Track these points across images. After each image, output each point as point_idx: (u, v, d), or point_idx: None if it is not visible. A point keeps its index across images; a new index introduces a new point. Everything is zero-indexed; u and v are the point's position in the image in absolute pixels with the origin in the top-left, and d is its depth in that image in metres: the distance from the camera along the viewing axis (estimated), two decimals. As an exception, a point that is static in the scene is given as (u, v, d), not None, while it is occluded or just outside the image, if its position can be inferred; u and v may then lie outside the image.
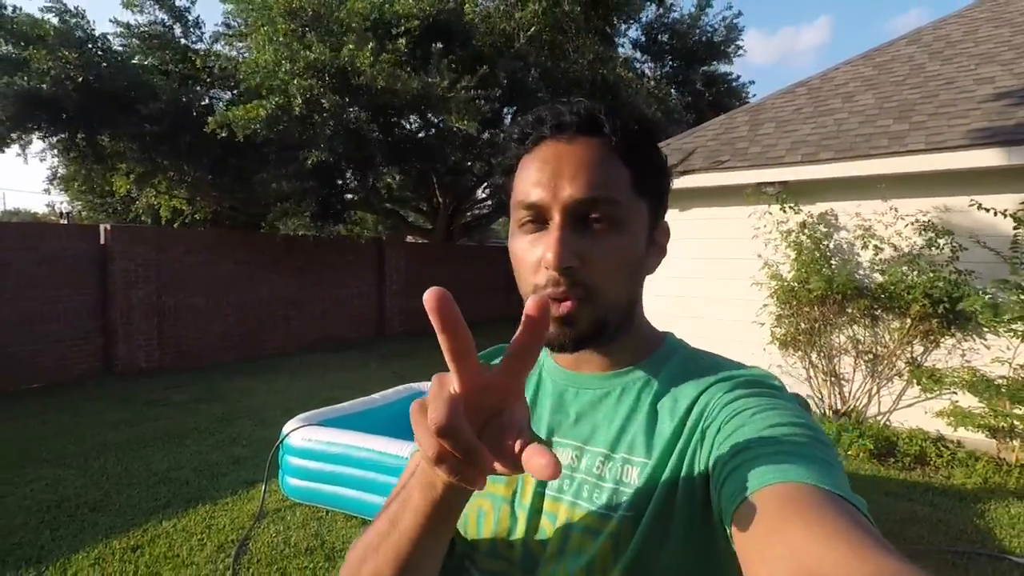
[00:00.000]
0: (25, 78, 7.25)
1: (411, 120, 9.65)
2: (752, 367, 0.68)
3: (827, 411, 5.08)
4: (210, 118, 7.64)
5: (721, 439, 0.56)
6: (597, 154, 0.63)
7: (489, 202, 13.14)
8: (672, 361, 0.70)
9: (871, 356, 4.93)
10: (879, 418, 4.92)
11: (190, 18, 9.66)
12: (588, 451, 0.66)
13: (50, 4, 7.98)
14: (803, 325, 5.07)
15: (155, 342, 7.88)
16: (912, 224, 4.62)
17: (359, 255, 10.75)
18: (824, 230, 5.08)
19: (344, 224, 10.26)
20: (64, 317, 7.13)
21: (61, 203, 15.68)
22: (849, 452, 4.50)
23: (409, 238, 13.89)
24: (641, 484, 0.61)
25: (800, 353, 5.16)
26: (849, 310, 4.93)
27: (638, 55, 13.74)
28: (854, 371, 5.01)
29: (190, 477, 4.14)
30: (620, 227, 0.63)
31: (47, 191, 19.36)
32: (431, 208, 13.39)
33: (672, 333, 0.76)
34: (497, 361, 0.66)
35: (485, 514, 0.69)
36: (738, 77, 15.66)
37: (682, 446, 0.61)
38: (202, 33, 9.84)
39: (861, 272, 4.95)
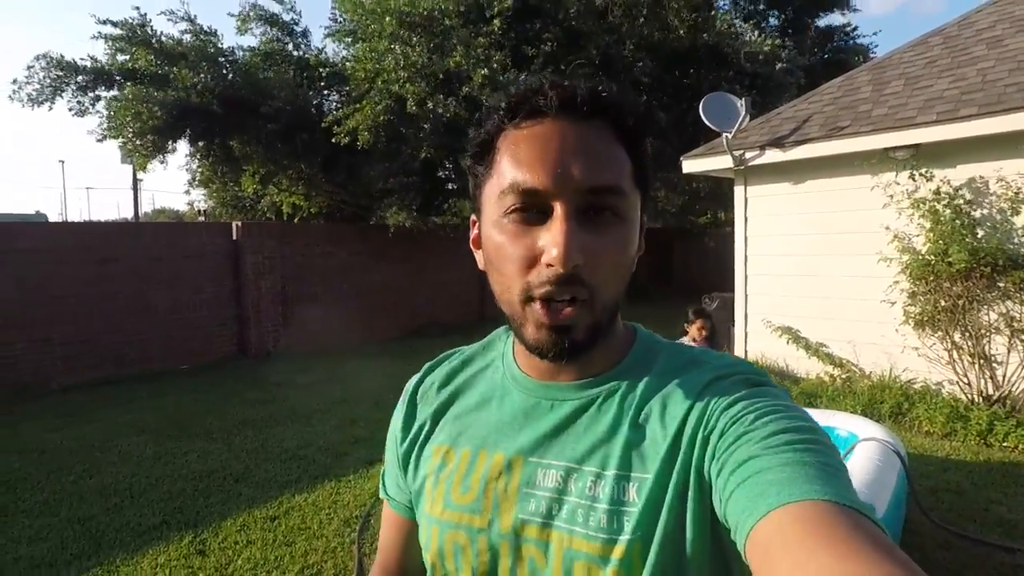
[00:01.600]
0: (174, 93, 8.08)
1: None
2: (739, 360, 0.64)
3: (975, 397, 4.57)
4: (335, 129, 8.12)
5: (724, 447, 0.53)
6: (606, 140, 0.57)
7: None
8: (652, 362, 0.64)
9: (1030, 335, 4.36)
10: (1040, 406, 4.37)
11: (298, 30, 10.32)
12: (575, 470, 0.59)
13: (189, 27, 8.83)
14: (943, 303, 4.57)
15: (281, 328, 8.59)
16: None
17: (459, 243, 11.04)
18: (967, 196, 4.55)
19: (444, 214, 10.58)
20: (206, 305, 7.95)
21: (198, 202, 17.40)
22: (1006, 443, 4.04)
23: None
24: (644, 502, 0.55)
25: (940, 333, 4.66)
26: (1001, 284, 4.39)
27: (740, 18, 12.85)
28: (1008, 352, 4.46)
29: (316, 455, 4.48)
30: (624, 221, 0.58)
31: (187, 192, 21.47)
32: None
33: (639, 324, 0.70)
34: (443, 365, 0.77)
35: (462, 547, 0.62)
36: (855, 28, 14.18)
37: (684, 458, 0.56)
38: (310, 42, 10.50)
39: (1015, 241, 4.38)
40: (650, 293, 10.97)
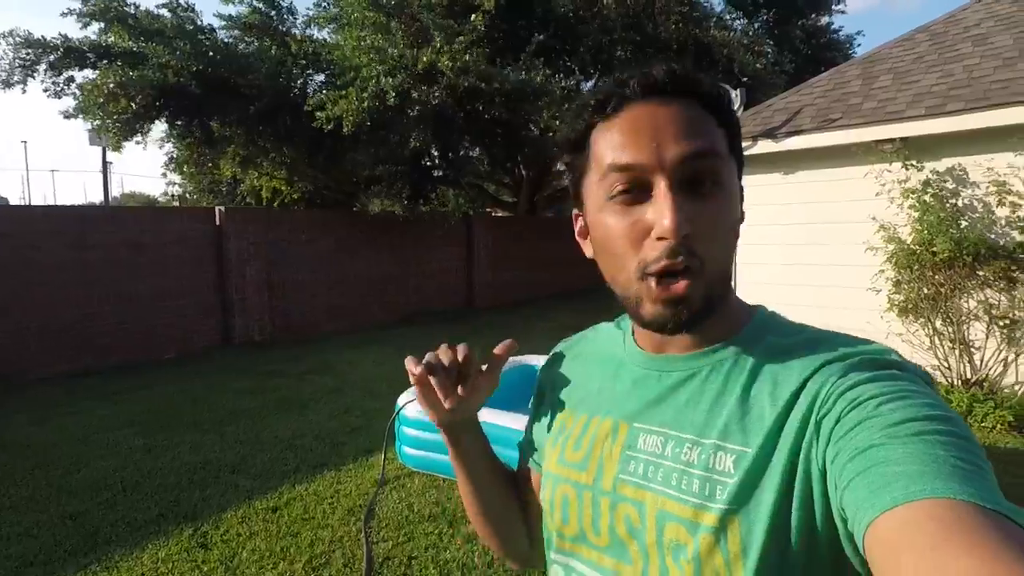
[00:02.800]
0: (149, 71, 7.82)
1: (494, 108, 9.61)
2: (864, 341, 0.60)
3: (956, 381, 4.74)
4: (319, 114, 7.95)
5: (841, 432, 0.50)
6: (694, 111, 0.59)
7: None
8: (766, 337, 0.63)
9: (1008, 321, 4.52)
10: (1017, 387, 4.54)
11: (284, 4, 10.04)
12: (673, 436, 0.61)
13: (165, 1, 8.52)
14: (926, 290, 4.71)
15: (267, 316, 8.46)
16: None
17: (448, 231, 10.99)
18: (951, 187, 4.67)
19: (431, 202, 10.51)
20: (189, 293, 7.79)
21: (172, 185, 16.97)
22: (984, 424, 4.20)
23: (493, 212, 14.02)
24: (741, 475, 0.55)
25: (922, 320, 4.81)
26: (981, 273, 4.53)
27: (729, 13, 12.93)
28: (987, 338, 4.62)
29: (313, 444, 4.45)
30: (724, 187, 0.59)
31: (164, 175, 20.92)
32: (513, 181, 13.42)
33: (764, 306, 0.69)
34: (578, 340, 0.84)
35: (570, 502, 0.67)
36: (840, 28, 14.44)
37: (793, 439, 0.54)
38: (295, 19, 10.22)
39: (995, 231, 4.52)
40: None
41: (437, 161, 10.16)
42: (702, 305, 0.59)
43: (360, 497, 3.56)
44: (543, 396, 0.81)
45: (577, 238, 0.72)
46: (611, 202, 0.60)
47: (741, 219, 0.64)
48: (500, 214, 13.98)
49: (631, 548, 0.61)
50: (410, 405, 3.94)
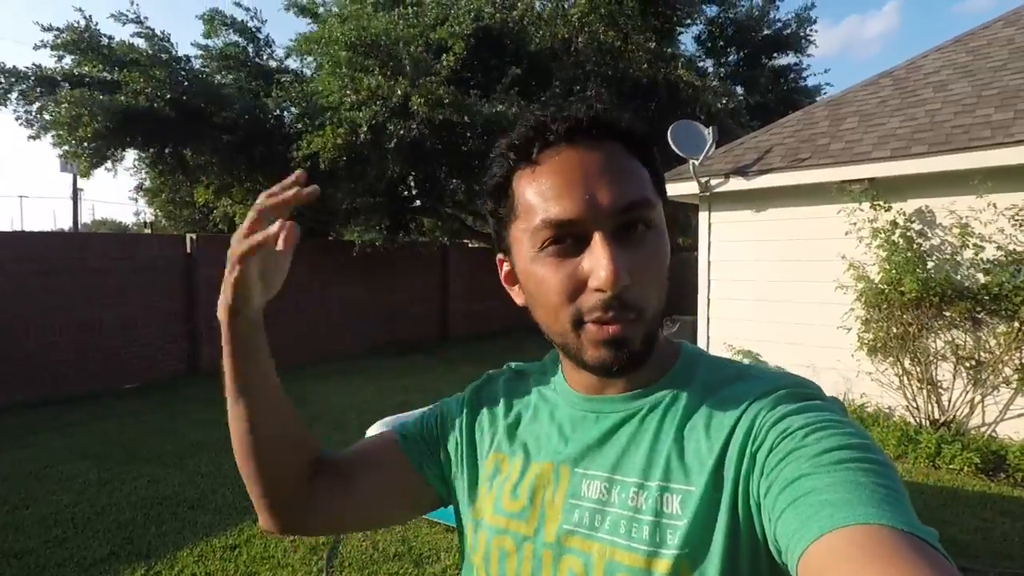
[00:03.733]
0: (122, 97, 7.76)
1: (470, 139, 9.74)
2: (786, 374, 0.63)
3: (924, 421, 4.78)
4: (296, 153, 7.96)
5: (773, 463, 0.51)
6: (621, 157, 0.58)
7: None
8: (696, 374, 0.64)
9: (974, 362, 4.60)
10: (983, 429, 4.60)
11: (261, 37, 10.13)
12: (618, 481, 0.60)
13: (139, 30, 8.53)
14: (895, 330, 4.79)
15: (236, 346, 8.27)
16: (1017, 220, 4.30)
17: (424, 261, 10.95)
18: (918, 228, 4.80)
19: (409, 233, 10.50)
20: (156, 321, 7.59)
21: (141, 213, 16.72)
22: (952, 465, 4.22)
23: (470, 242, 14.04)
24: (690, 517, 0.55)
25: (892, 359, 4.88)
26: (947, 313, 4.62)
27: (701, 53, 13.35)
28: (954, 378, 4.70)
29: (278, 478, 4.29)
30: (656, 231, 0.59)
31: (134, 200, 20.65)
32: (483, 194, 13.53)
33: (685, 341, 0.71)
34: (504, 375, 0.79)
35: (508, 554, 0.63)
36: (807, 68, 14.94)
37: (733, 473, 0.55)
38: (272, 51, 10.31)
39: (961, 273, 4.64)
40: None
41: (415, 192, 10.19)
42: (642, 347, 0.59)
43: (322, 536, 3.43)
44: (474, 415, 0.75)
45: (503, 283, 0.69)
46: (543, 254, 0.58)
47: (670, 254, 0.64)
48: (477, 245, 14.02)
49: None
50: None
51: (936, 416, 4.76)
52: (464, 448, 0.73)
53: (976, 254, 4.47)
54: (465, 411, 0.76)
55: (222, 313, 0.63)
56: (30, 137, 8.33)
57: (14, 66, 8.12)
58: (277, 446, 0.70)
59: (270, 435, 0.70)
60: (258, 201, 0.61)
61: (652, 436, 0.60)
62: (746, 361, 5.58)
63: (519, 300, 0.67)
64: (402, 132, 8.06)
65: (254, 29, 10.03)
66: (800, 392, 0.58)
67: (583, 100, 0.62)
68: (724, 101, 9.64)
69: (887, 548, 0.40)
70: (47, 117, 8.19)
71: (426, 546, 3.23)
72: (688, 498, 0.55)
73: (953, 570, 0.40)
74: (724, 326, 5.84)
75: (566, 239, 0.57)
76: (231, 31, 9.81)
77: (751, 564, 0.53)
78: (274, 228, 0.56)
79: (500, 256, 0.69)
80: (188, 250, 7.91)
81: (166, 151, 8.98)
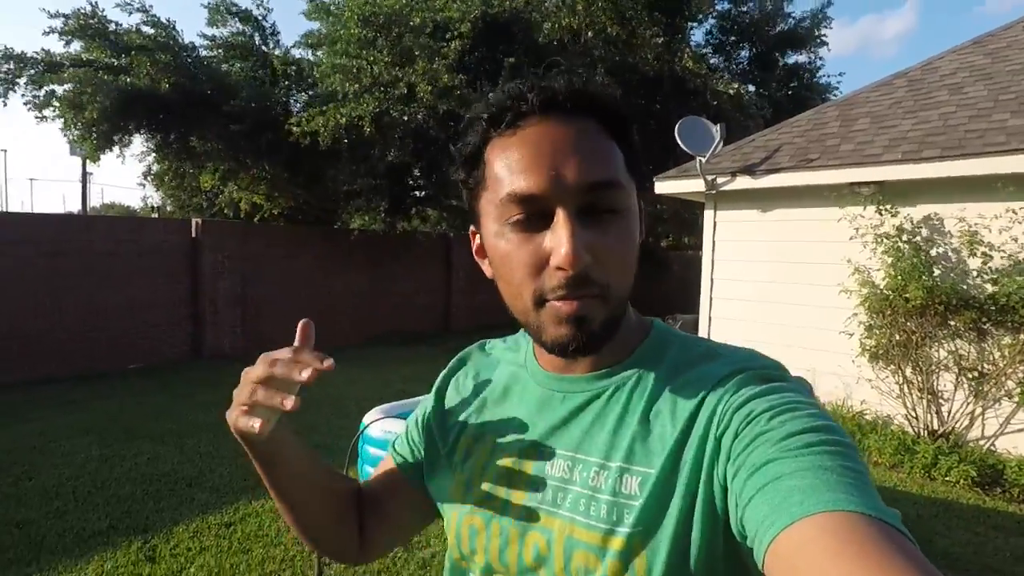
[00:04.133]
0: (127, 79, 7.80)
1: None
2: (754, 355, 0.62)
3: (922, 431, 4.74)
4: (295, 127, 7.97)
5: (739, 448, 0.52)
6: (595, 135, 0.57)
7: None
8: (665, 354, 0.64)
9: (976, 374, 4.55)
10: (982, 443, 4.55)
11: (267, 26, 10.14)
12: (580, 460, 0.60)
13: (144, 17, 8.59)
14: (897, 337, 4.75)
15: (239, 330, 8.32)
16: (1028, 229, 4.26)
17: (427, 251, 10.96)
18: (925, 234, 4.75)
19: (411, 220, 10.49)
20: (161, 304, 7.65)
21: (148, 198, 16.82)
22: (948, 477, 4.19)
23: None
24: (645, 497, 0.55)
25: (893, 367, 4.83)
26: (952, 323, 4.57)
27: (710, 50, 13.23)
28: (955, 389, 4.65)
29: (275, 461, 4.32)
30: (624, 213, 0.58)
31: (142, 185, 20.77)
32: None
33: (658, 319, 0.70)
34: (475, 357, 0.80)
35: (477, 531, 0.65)
36: (821, 66, 14.69)
37: (694, 456, 0.55)
38: (279, 40, 10.33)
39: (968, 282, 4.59)
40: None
41: (420, 181, 10.19)
42: (603, 328, 0.58)
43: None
44: (443, 403, 0.77)
45: (475, 257, 0.69)
46: (508, 228, 0.58)
47: (641, 237, 0.63)
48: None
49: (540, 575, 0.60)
50: (376, 424, 3.85)
51: (935, 427, 4.72)
52: (438, 438, 0.74)
53: (984, 263, 4.42)
54: (437, 401, 0.78)
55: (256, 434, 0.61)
56: (38, 119, 8.40)
57: (23, 51, 8.19)
58: (319, 522, 0.74)
59: (309, 515, 0.73)
60: (260, 372, 0.60)
61: (617, 417, 0.60)
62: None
63: (488, 273, 0.66)
64: (406, 119, 8.07)
65: (259, 17, 10.04)
66: (764, 374, 0.58)
67: (567, 72, 0.59)
68: (735, 87, 9.55)
69: (856, 535, 0.41)
70: (56, 103, 8.24)
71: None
72: (646, 480, 0.56)
73: (917, 551, 0.41)
74: (725, 326, 5.82)
75: (532, 215, 0.56)
76: (236, 20, 9.82)
77: (706, 545, 0.53)
78: (277, 401, 0.58)
79: (472, 228, 0.68)
80: (193, 234, 7.95)
81: (172, 137, 9.02)
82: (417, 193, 10.52)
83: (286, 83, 9.96)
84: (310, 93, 9.49)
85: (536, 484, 0.62)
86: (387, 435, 3.75)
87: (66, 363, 6.82)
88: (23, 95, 8.31)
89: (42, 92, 8.27)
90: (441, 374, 0.80)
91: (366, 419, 3.96)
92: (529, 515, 0.61)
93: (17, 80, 8.15)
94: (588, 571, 0.56)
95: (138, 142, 9.46)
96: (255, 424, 0.59)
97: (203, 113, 8.47)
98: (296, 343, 0.63)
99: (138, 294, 7.42)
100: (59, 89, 8.18)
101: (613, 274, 0.57)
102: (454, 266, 11.52)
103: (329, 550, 0.78)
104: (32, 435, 4.74)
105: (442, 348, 9.38)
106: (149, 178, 11.51)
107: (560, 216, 0.55)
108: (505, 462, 0.65)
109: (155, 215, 15.46)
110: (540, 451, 0.63)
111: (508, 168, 0.57)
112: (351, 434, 4.09)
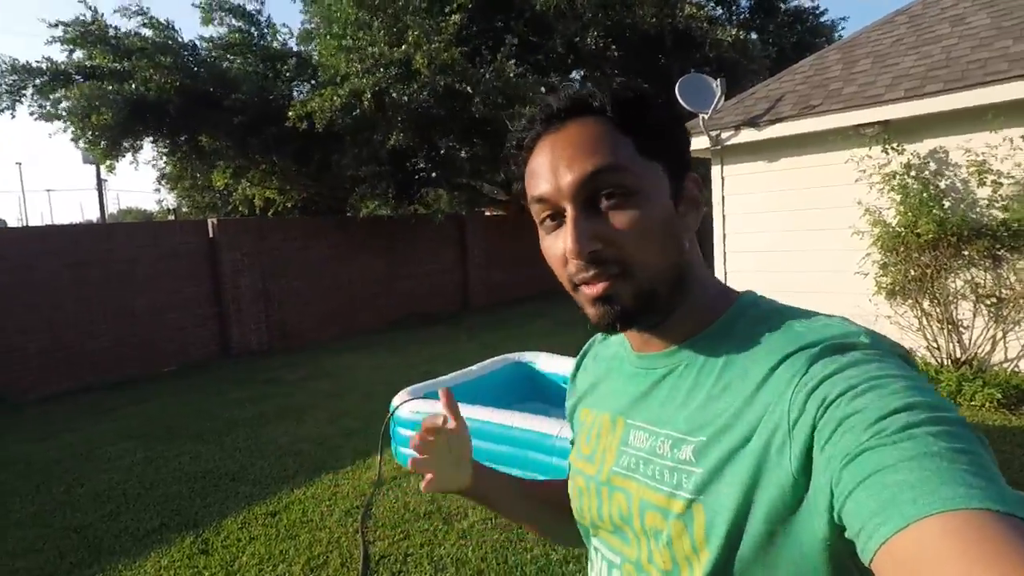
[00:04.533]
0: (132, 85, 7.87)
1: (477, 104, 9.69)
2: (834, 319, 0.60)
3: (945, 360, 4.78)
4: (290, 112, 8.02)
5: (822, 438, 0.49)
6: (590, 131, 0.62)
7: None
8: (736, 328, 0.64)
9: (994, 300, 4.56)
10: (1006, 365, 4.59)
11: (262, 19, 10.10)
12: (654, 432, 0.66)
13: (145, 20, 8.59)
14: (913, 272, 4.75)
15: (263, 325, 8.50)
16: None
17: (441, 232, 11.01)
18: (933, 168, 4.71)
19: (420, 202, 10.52)
20: (185, 306, 7.84)
21: (163, 200, 17.02)
22: (973, 402, 4.24)
23: (486, 212, 14.05)
24: (706, 467, 0.58)
25: (911, 302, 4.85)
26: (966, 252, 4.57)
27: (711, 4, 12.88)
28: (974, 317, 4.67)
29: (311, 449, 4.49)
30: (635, 194, 0.61)
31: (158, 190, 21.03)
32: (505, 179, 13.44)
33: (752, 291, 0.70)
34: (602, 339, 0.90)
35: (582, 491, 0.75)
36: (825, 11, 14.34)
37: (758, 434, 0.55)
38: (276, 32, 10.28)
39: (977, 211, 4.56)
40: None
41: (424, 163, 10.20)
42: (637, 302, 0.62)
43: (357, 498, 3.61)
44: (573, 391, 0.88)
45: None
46: (541, 226, 0.67)
47: (686, 210, 0.66)
48: (494, 213, 14.01)
49: (628, 532, 0.68)
50: (405, 405, 3.98)
51: (958, 355, 4.75)
52: (571, 404, 0.88)
53: (994, 191, 4.39)
54: (571, 388, 0.90)
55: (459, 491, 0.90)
56: (50, 134, 8.55)
57: (27, 62, 8.26)
58: (547, 527, 0.96)
59: (531, 520, 0.96)
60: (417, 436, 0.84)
61: (686, 392, 0.64)
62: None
63: None
64: (407, 98, 8.06)
65: (254, 12, 10.00)
66: (839, 344, 0.55)
67: (562, 88, 0.68)
68: (735, 33, 9.36)
69: (986, 539, 0.37)
70: (61, 110, 8.35)
71: (454, 505, 3.38)
72: (706, 451, 0.58)
73: None
74: (741, 279, 5.83)
75: (554, 215, 0.64)
76: (230, 16, 9.79)
77: (766, 522, 0.54)
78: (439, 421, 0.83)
79: None
80: (211, 234, 8.09)
81: (180, 138, 9.12)
82: (423, 175, 10.54)
83: (287, 74, 9.96)
84: (312, 83, 9.48)
85: (622, 452, 0.70)
86: (417, 416, 3.88)
87: (101, 371, 7.05)
88: (29, 106, 8.41)
89: (49, 102, 8.39)
90: (580, 353, 0.91)
91: (395, 401, 4.11)
92: (614, 478, 0.69)
93: (23, 91, 8.27)
94: (657, 531, 0.62)
95: (148, 146, 9.58)
96: (424, 481, 0.86)
97: (208, 112, 8.53)
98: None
99: (162, 298, 7.61)
100: (63, 101, 8.29)
101: (630, 252, 0.61)
102: (468, 244, 11.59)
103: (566, 543, 0.97)
104: (78, 443, 4.96)
105: (463, 327, 9.51)
106: (163, 181, 11.68)
107: (568, 213, 0.62)
108: (602, 431, 0.74)
109: (171, 217, 15.67)
110: (627, 423, 0.71)
111: (531, 178, 0.66)
112: (382, 418, 4.24)
